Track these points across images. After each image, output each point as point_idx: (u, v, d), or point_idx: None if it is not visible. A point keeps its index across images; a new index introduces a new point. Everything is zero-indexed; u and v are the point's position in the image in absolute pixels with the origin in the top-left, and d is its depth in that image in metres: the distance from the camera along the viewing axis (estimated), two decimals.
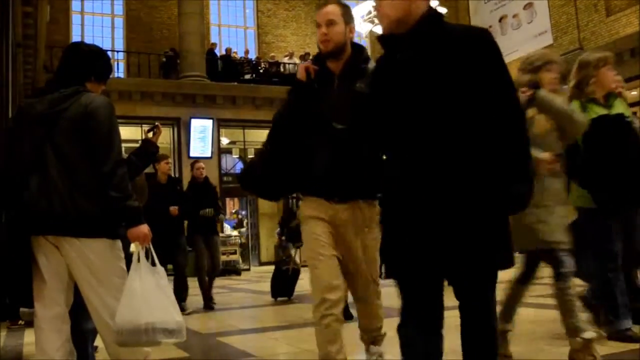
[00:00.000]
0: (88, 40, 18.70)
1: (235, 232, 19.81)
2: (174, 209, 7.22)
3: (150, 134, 3.62)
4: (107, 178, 2.86)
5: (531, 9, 19.12)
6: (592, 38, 16.92)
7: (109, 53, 19.71)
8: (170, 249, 7.03)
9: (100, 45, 3.35)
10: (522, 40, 19.34)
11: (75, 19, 19.88)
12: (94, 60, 3.17)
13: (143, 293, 2.83)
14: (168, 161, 7.68)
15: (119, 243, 3.01)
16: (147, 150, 3.57)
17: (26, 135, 2.95)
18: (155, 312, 2.81)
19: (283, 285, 8.37)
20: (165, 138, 19.08)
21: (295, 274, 8.48)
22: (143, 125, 17.74)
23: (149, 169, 4.21)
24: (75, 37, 19.06)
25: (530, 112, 3.37)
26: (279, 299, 8.32)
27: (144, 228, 2.97)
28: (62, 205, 2.84)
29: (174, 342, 2.99)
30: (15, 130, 3.03)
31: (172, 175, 8.63)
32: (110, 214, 2.91)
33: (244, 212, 21.98)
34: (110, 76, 3.41)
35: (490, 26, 20.71)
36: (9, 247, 2.90)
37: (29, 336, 5.24)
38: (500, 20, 20.35)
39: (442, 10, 14.05)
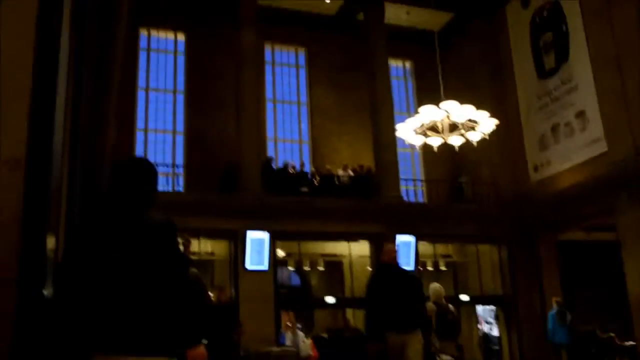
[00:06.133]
0: (150, 155, 19.49)
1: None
2: None
3: (182, 248, 3.68)
4: (174, 296, 2.90)
5: (583, 116, 19.06)
6: None
7: (170, 168, 20.23)
8: None
9: (162, 160, 3.47)
10: (576, 148, 19.17)
11: (138, 136, 20.82)
12: (155, 178, 3.25)
13: None
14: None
15: None
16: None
17: (97, 252, 2.96)
18: None
19: None
20: (222, 250, 19.32)
21: None
22: (200, 237, 18.08)
23: None
24: (139, 153, 19.83)
25: None
26: None
27: (202, 349, 2.97)
28: (130, 323, 2.83)
29: None
30: (89, 244, 3.06)
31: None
32: (172, 331, 2.89)
33: (299, 326, 21.61)
34: (171, 190, 3.54)
35: (542, 135, 20.69)
36: None
37: None
38: (552, 130, 20.30)
39: (494, 121, 14.18)
